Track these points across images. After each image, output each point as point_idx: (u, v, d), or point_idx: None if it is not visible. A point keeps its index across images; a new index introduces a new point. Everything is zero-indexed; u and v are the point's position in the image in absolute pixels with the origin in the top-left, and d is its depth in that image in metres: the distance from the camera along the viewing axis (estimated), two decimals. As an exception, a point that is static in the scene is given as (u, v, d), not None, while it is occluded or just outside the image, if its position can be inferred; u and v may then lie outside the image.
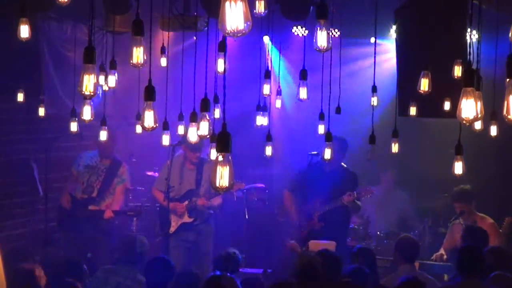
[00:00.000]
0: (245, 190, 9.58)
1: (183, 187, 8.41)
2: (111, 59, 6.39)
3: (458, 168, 4.57)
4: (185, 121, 6.44)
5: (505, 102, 3.48)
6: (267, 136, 6.36)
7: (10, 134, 8.37)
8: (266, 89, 6.91)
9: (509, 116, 3.52)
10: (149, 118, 4.36)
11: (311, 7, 6.10)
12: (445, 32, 6.28)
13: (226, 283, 5.07)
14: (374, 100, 6.40)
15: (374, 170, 9.33)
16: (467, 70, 3.64)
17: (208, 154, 6.13)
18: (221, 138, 3.02)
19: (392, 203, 9.48)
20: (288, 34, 9.95)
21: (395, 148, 6.36)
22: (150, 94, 4.26)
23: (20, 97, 7.27)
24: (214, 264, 6.19)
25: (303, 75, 5.62)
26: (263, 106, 7.05)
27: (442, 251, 7.83)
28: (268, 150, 6.42)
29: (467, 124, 3.65)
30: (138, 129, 6.99)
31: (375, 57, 5.79)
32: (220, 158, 3.00)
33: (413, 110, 6.51)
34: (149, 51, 4.37)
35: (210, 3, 5.96)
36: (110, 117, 6.43)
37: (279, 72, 7.75)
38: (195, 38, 6.53)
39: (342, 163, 8.57)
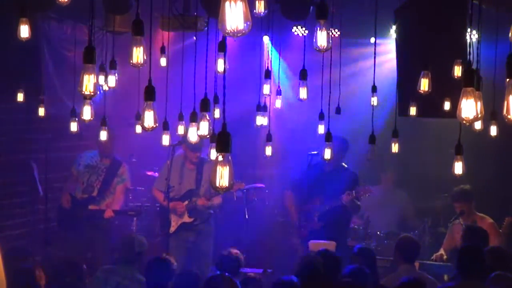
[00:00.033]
0: (245, 190, 9.58)
1: (183, 187, 8.41)
2: (111, 59, 6.39)
3: (458, 168, 4.57)
4: (185, 121, 6.45)
5: (505, 102, 3.48)
6: (267, 136, 6.36)
7: (10, 134, 8.37)
8: (266, 89, 6.91)
9: (509, 116, 3.51)
10: (149, 118, 4.36)
11: (311, 7, 6.10)
12: (445, 32, 6.28)
13: (225, 283, 5.07)
14: (374, 100, 6.40)
15: (374, 170, 9.33)
16: (467, 70, 3.64)
17: (208, 154, 6.13)
18: (221, 138, 3.02)
19: (392, 203, 9.48)
20: (288, 34, 9.95)
21: (395, 148, 6.36)
22: (150, 94, 4.26)
23: (20, 97, 7.27)
24: (215, 263, 6.18)
25: (303, 75, 5.62)
26: (263, 106, 7.05)
27: (442, 251, 7.83)
28: (268, 150, 6.42)
29: (467, 124, 3.65)
30: (138, 129, 7.00)
31: (375, 57, 5.78)
32: (220, 158, 2.99)
33: (413, 110, 6.51)
34: (149, 51, 4.37)
35: (210, 3, 5.95)
36: (110, 117, 6.43)
37: (279, 72, 7.74)
38: (195, 38, 6.53)
39: (343, 163, 8.57)
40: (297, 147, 9.61)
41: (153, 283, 5.76)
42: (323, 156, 5.55)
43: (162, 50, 7.02)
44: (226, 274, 5.39)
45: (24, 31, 5.00)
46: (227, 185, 2.98)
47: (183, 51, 6.80)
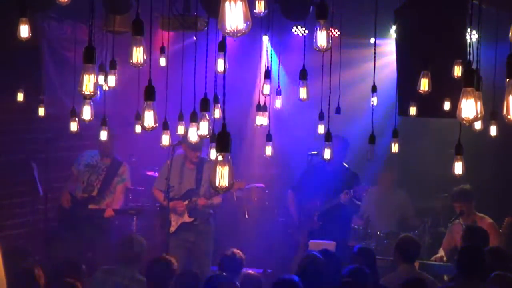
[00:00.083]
0: (245, 190, 9.59)
1: (183, 187, 8.41)
2: (111, 59, 6.39)
3: (458, 168, 4.57)
4: (185, 121, 6.45)
5: (505, 102, 3.48)
6: (267, 136, 6.36)
7: (10, 134, 8.37)
8: (266, 89, 6.91)
9: (509, 116, 3.51)
10: (149, 118, 4.36)
11: (311, 7, 6.10)
12: (445, 32, 6.28)
13: (225, 283, 5.07)
14: (374, 100, 6.40)
15: (374, 170, 9.33)
16: (467, 70, 3.64)
17: (208, 154, 6.13)
18: (221, 138, 3.02)
19: (392, 203, 9.48)
20: (288, 34, 9.95)
21: (395, 148, 6.36)
22: (150, 94, 4.26)
23: (20, 97, 7.27)
24: (217, 263, 6.18)
25: (303, 75, 5.62)
26: (263, 106, 7.05)
27: (441, 252, 7.82)
28: (268, 150, 6.42)
29: (467, 124, 3.65)
30: (138, 129, 7.00)
31: (375, 57, 5.78)
32: (220, 158, 3.00)
33: (413, 110, 6.51)
34: (149, 51, 4.37)
35: (210, 3, 5.95)
36: (110, 117, 6.43)
37: (278, 72, 7.74)
38: (195, 38, 6.53)
39: (344, 163, 8.58)
40: (297, 147, 9.62)
41: (154, 283, 5.76)
42: (323, 156, 5.55)
43: (162, 50, 7.03)
44: (228, 274, 5.39)
45: (24, 31, 5.00)
46: (227, 185, 2.98)
47: (183, 51, 6.80)
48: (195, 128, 5.45)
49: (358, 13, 8.04)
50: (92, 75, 3.94)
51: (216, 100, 5.76)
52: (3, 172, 8.27)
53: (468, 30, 5.36)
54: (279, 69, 7.89)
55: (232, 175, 3.01)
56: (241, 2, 2.73)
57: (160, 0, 6.39)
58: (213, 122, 5.10)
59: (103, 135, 6.49)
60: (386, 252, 8.05)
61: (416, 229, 9.04)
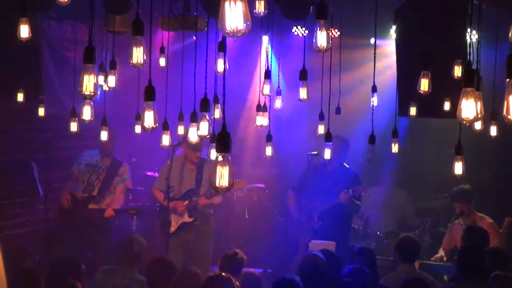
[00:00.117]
0: (245, 190, 9.59)
1: (183, 187, 8.41)
2: (111, 59, 6.39)
3: (458, 168, 4.58)
4: (185, 121, 6.45)
5: (505, 102, 3.48)
6: (267, 136, 6.36)
7: (10, 134, 8.37)
8: (266, 89, 6.91)
9: (509, 116, 3.51)
10: (149, 118, 4.36)
11: (311, 7, 6.10)
12: (445, 32, 6.27)
13: (225, 283, 5.07)
14: (374, 100, 6.40)
15: (374, 170, 9.34)
16: (467, 70, 3.63)
17: (208, 154, 6.13)
18: (220, 138, 3.02)
19: (392, 203, 9.48)
20: (288, 34, 9.95)
21: (395, 148, 6.36)
22: (150, 94, 4.26)
23: (20, 97, 7.27)
24: (218, 263, 6.17)
25: (303, 75, 5.62)
26: (263, 106, 7.05)
27: (441, 252, 7.82)
28: (268, 150, 6.42)
29: (467, 124, 3.65)
30: (137, 129, 7.00)
31: (375, 57, 5.78)
32: (220, 158, 2.99)
33: (413, 110, 6.51)
34: (149, 51, 4.37)
35: (210, 3, 5.95)
36: (110, 117, 6.43)
37: (278, 72, 7.74)
38: (195, 38, 6.53)
39: (344, 163, 8.58)
40: (297, 147, 9.62)
41: (155, 283, 5.76)
42: (323, 156, 5.55)
43: (162, 50, 7.03)
44: (228, 273, 5.38)
45: (24, 31, 5.00)
46: (227, 185, 2.98)
47: (183, 51, 6.80)
48: (195, 128, 5.44)
49: (358, 13, 8.03)
50: (92, 75, 3.94)
51: (216, 100, 5.76)
52: (3, 172, 8.27)
53: (468, 30, 5.36)
54: (279, 69, 7.89)
55: (232, 175, 3.01)
56: (241, 2, 2.73)
57: (160, 0, 6.39)
58: (213, 122, 5.10)
59: (104, 135, 6.49)
60: (386, 252, 8.05)
61: (416, 229, 9.04)
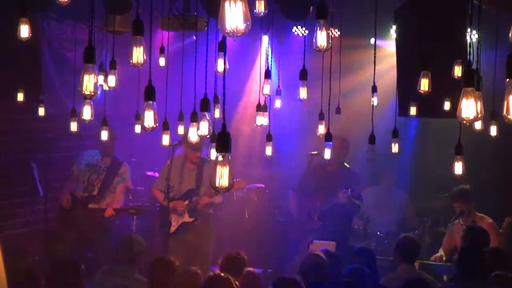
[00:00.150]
0: (245, 190, 9.58)
1: (183, 187, 8.41)
2: (111, 59, 6.39)
3: (458, 168, 4.57)
4: (185, 121, 6.45)
5: (505, 102, 3.48)
6: (267, 136, 6.36)
7: (10, 134, 8.37)
8: (266, 89, 6.91)
9: (509, 116, 3.52)
10: (149, 118, 4.36)
11: (311, 7, 6.10)
12: (445, 32, 6.27)
13: (225, 283, 5.07)
14: (374, 100, 6.40)
15: (374, 170, 9.34)
16: (467, 70, 3.64)
17: (208, 154, 6.13)
18: (220, 138, 3.02)
19: (392, 203, 9.48)
20: (288, 34, 9.95)
21: (395, 148, 6.35)
22: (150, 94, 4.26)
23: (20, 97, 7.27)
24: (218, 263, 6.17)
25: (303, 75, 5.62)
26: (263, 106, 7.05)
27: (441, 252, 7.83)
28: (268, 150, 6.42)
29: (467, 124, 3.65)
30: (137, 129, 7.00)
31: (375, 57, 5.78)
32: (220, 158, 2.99)
33: (413, 110, 6.51)
34: (149, 51, 4.37)
35: (210, 3, 5.95)
36: (110, 117, 6.43)
37: (278, 72, 7.74)
38: (195, 38, 6.53)
39: (345, 163, 8.58)
40: (297, 147, 9.62)
41: (156, 284, 5.75)
42: (323, 156, 5.55)
43: (162, 50, 7.03)
44: (228, 274, 5.38)
45: (24, 31, 5.00)
46: (226, 185, 2.98)
47: (183, 50, 6.80)
48: (195, 128, 5.45)
49: (358, 13, 8.03)
50: (92, 75, 3.94)
51: (216, 100, 5.76)
52: (3, 172, 8.27)
53: (468, 30, 5.36)
54: (279, 69, 7.89)
55: (232, 175, 3.01)
56: (241, 2, 2.73)
57: (160, 0, 6.39)
58: (213, 122, 5.10)
59: (104, 135, 6.49)
60: (386, 252, 8.05)
61: (416, 229, 9.04)
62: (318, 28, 4.02)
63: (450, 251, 7.58)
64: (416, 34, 6.45)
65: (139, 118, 6.19)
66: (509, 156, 9.46)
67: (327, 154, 5.48)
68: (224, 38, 4.98)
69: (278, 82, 7.51)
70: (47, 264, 6.38)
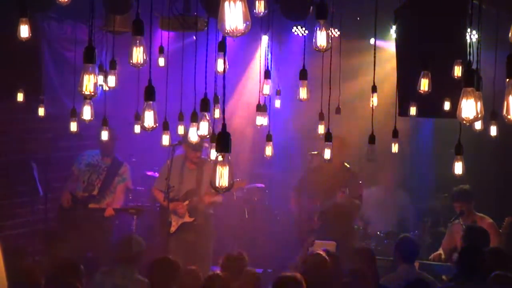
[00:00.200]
0: (245, 190, 9.58)
1: (183, 187, 8.41)
2: (111, 59, 6.39)
3: (458, 168, 4.57)
4: (185, 121, 6.45)
5: (505, 102, 3.48)
6: (267, 136, 6.36)
7: (10, 134, 8.37)
8: (266, 89, 6.91)
9: (509, 116, 3.52)
10: (149, 118, 4.36)
11: (311, 7, 6.10)
12: (445, 32, 6.27)
13: (224, 283, 5.07)
14: (374, 100, 6.40)
15: (374, 170, 9.34)
16: (467, 70, 3.64)
17: (208, 154, 6.13)
18: (220, 138, 3.02)
19: (392, 203, 9.48)
20: (288, 34, 9.96)
21: (395, 148, 6.35)
22: (150, 94, 4.26)
23: (20, 97, 7.27)
24: (219, 263, 6.16)
25: (303, 75, 5.61)
26: (263, 106, 7.05)
27: (440, 250, 7.83)
28: (268, 150, 6.42)
29: (467, 124, 3.65)
30: (137, 129, 7.00)
31: (375, 57, 5.78)
32: (220, 158, 2.99)
33: (413, 110, 6.51)
34: (149, 51, 4.37)
35: (210, 3, 5.96)
36: (110, 117, 6.44)
37: (279, 72, 7.75)
38: (194, 37, 6.53)
39: (345, 163, 8.58)
40: (297, 147, 9.63)
41: (157, 284, 5.75)
42: (323, 156, 5.55)
43: (161, 50, 7.03)
44: (229, 274, 5.38)
45: (24, 31, 5.01)
46: (226, 185, 2.98)
47: (183, 50, 6.80)
48: (195, 128, 5.45)
49: (358, 13, 8.03)
50: (92, 75, 3.94)
51: (216, 100, 5.76)
52: (3, 172, 8.28)
53: (468, 30, 5.36)
54: (279, 69, 7.90)
55: (232, 175, 3.01)
56: (240, 2, 2.73)
57: (160, 0, 6.39)
58: (213, 122, 5.10)
59: (104, 135, 6.49)
60: (386, 252, 8.05)
61: (416, 229, 9.04)
62: (318, 28, 4.03)
63: (450, 251, 7.58)
64: (416, 34, 6.45)
65: (139, 118, 6.19)
66: (509, 156, 9.46)
67: (327, 154, 5.48)
68: (224, 38, 4.98)
69: (278, 82, 7.52)
70: (47, 264, 6.37)
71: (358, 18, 8.78)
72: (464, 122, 3.58)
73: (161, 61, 7.00)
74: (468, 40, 5.11)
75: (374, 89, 6.31)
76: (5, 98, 7.62)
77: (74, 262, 5.81)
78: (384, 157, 7.12)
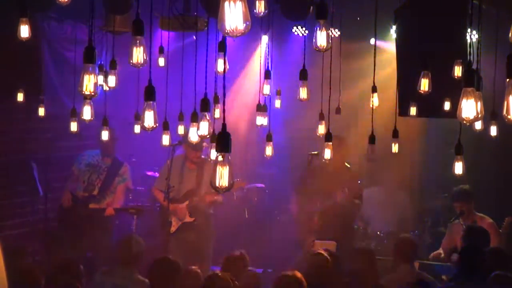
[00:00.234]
0: (245, 190, 9.58)
1: (183, 187, 8.41)
2: (111, 59, 6.39)
3: (458, 168, 4.57)
4: (185, 121, 6.45)
5: (505, 102, 3.48)
6: (267, 136, 6.36)
7: (10, 134, 8.37)
8: (266, 89, 6.91)
9: (509, 116, 3.52)
10: (149, 118, 4.36)
11: (311, 7, 6.10)
12: (445, 32, 6.28)
13: (224, 282, 5.07)
14: (374, 100, 6.40)
15: (374, 170, 9.33)
16: (467, 70, 3.64)
17: (208, 154, 6.13)
18: (220, 138, 3.02)
19: (392, 203, 9.47)
20: (288, 34, 9.96)
21: (395, 148, 6.35)
22: (150, 93, 4.26)
23: (20, 97, 7.27)
24: (220, 263, 6.16)
25: (303, 75, 5.62)
26: (263, 106, 7.05)
27: (440, 250, 7.83)
28: (268, 150, 6.42)
29: (467, 124, 3.65)
30: (137, 129, 7.01)
31: (375, 57, 5.78)
32: (220, 158, 2.99)
33: (413, 110, 6.50)
34: (149, 51, 4.38)
35: (210, 3, 5.96)
36: (110, 117, 6.44)
37: (279, 72, 7.75)
38: (195, 37, 6.53)
39: (346, 163, 8.58)
40: (297, 147, 9.62)
41: (157, 284, 5.74)
42: (323, 156, 5.54)
43: (161, 50, 7.03)
44: (228, 274, 5.37)
45: (24, 31, 5.01)
46: (226, 185, 2.98)
47: (183, 50, 6.80)
48: (196, 128, 5.45)
49: (358, 13, 8.03)
50: (92, 75, 3.94)
51: (216, 100, 5.76)
52: (3, 172, 8.28)
53: (468, 30, 5.36)
54: (279, 69, 7.89)
55: (232, 175, 3.01)
56: (240, 2, 2.73)
57: (160, 0, 6.39)
58: (213, 122, 5.11)
59: (105, 135, 6.50)
60: (386, 252, 8.04)
61: (416, 229, 9.04)
62: (318, 28, 4.03)
63: (449, 251, 7.58)
64: (416, 34, 6.45)
65: (139, 118, 6.20)
66: (509, 156, 9.46)
67: (327, 154, 5.48)
68: (224, 38, 4.98)
69: (278, 82, 7.52)
70: (47, 264, 6.37)
71: (358, 18, 8.78)
72: (464, 122, 3.58)
73: (161, 61, 7.00)
74: (468, 40, 5.11)
75: (374, 89, 6.32)
76: (5, 98, 7.62)
77: (74, 262, 5.81)
78: (384, 157, 7.12)
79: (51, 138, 8.70)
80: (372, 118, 5.81)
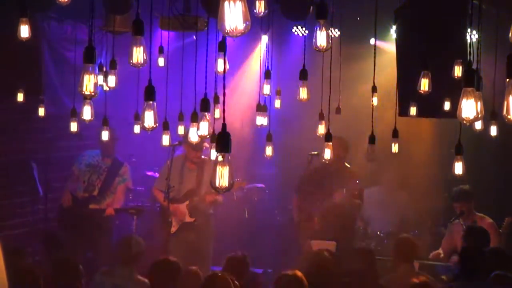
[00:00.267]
0: (245, 190, 9.58)
1: (183, 187, 8.41)
2: (111, 59, 6.40)
3: (458, 168, 4.57)
4: (185, 121, 6.45)
5: (505, 102, 3.48)
6: (267, 136, 6.36)
7: (10, 134, 8.37)
8: (266, 89, 6.91)
9: (509, 116, 3.52)
10: (149, 118, 4.36)
11: (311, 7, 6.10)
12: (445, 32, 6.28)
13: (224, 282, 5.07)
14: (374, 100, 6.40)
15: (375, 170, 9.33)
16: (467, 70, 3.64)
17: (208, 154, 6.13)
18: (220, 138, 3.02)
19: (392, 203, 9.47)
20: (288, 34, 9.96)
21: (395, 148, 6.35)
22: (150, 93, 4.26)
23: (20, 97, 7.27)
24: (224, 264, 6.15)
25: (303, 75, 5.62)
26: (263, 106, 7.05)
27: (440, 250, 7.83)
28: (268, 150, 6.42)
29: (467, 124, 3.65)
30: (136, 129, 7.01)
31: (375, 57, 5.78)
32: (220, 158, 2.99)
33: (413, 110, 6.50)
34: (149, 51, 4.38)
35: (210, 3, 5.96)
36: (110, 117, 6.44)
37: (278, 72, 7.75)
38: (194, 37, 6.54)
39: (346, 163, 8.58)
40: (297, 147, 9.62)
41: (158, 284, 5.74)
42: (323, 156, 5.55)
43: (161, 50, 7.03)
44: (233, 275, 5.37)
45: (24, 31, 5.01)
46: (226, 185, 2.98)
47: (182, 50, 6.80)
48: (196, 128, 5.45)
49: (358, 13, 8.03)
50: (92, 75, 3.94)
51: (216, 100, 5.76)
52: (3, 172, 8.28)
53: (468, 30, 5.36)
54: (279, 69, 7.89)
55: (232, 175, 3.01)
56: (240, 2, 2.73)
57: (160, 0, 6.39)
58: (213, 122, 5.11)
59: (105, 135, 6.50)
60: (386, 252, 8.04)
61: (416, 229, 9.03)
62: (318, 28, 4.03)
63: (449, 251, 7.58)
64: (416, 34, 6.45)
65: (139, 118, 6.19)
66: (509, 156, 9.46)
67: (327, 154, 5.48)
68: (224, 38, 4.98)
69: (278, 82, 7.52)
70: (47, 264, 6.37)
71: (358, 18, 8.78)
72: (464, 122, 3.58)
73: (161, 61, 7.01)
74: (468, 40, 5.11)
75: (374, 89, 6.32)
76: (5, 98, 7.62)
77: (74, 262, 5.81)
78: (384, 157, 7.12)
79: (51, 138, 8.70)
80: (372, 118, 5.81)
